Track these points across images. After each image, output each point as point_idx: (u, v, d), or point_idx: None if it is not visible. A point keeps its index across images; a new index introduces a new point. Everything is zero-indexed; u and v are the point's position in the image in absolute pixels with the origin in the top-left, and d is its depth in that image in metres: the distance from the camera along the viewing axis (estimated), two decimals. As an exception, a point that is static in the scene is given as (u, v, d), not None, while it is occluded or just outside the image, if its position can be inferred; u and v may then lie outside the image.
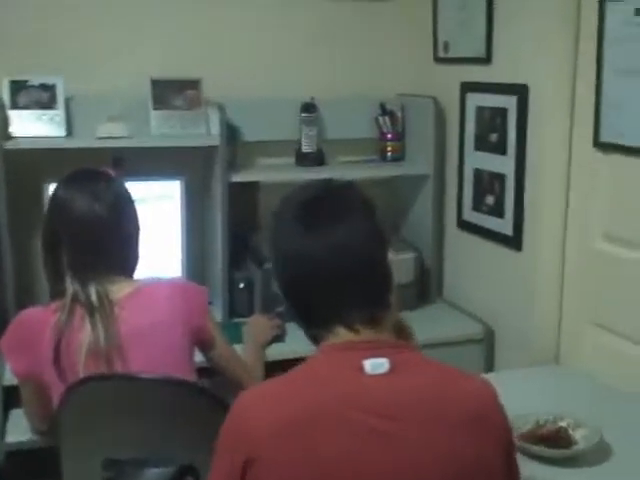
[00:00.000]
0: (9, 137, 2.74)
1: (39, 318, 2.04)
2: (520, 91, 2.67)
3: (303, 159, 3.17)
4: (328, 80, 3.29)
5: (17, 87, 2.80)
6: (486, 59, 2.86)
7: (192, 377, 2.09)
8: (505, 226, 2.82)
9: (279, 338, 2.73)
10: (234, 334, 2.55)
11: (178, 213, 2.94)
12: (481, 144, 2.93)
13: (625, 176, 2.38)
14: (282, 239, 1.50)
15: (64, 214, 2.05)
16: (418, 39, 3.28)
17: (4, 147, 2.66)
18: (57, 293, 2.05)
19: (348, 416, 1.34)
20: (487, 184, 2.91)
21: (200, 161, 3.05)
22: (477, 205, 2.98)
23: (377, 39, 3.35)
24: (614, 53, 2.36)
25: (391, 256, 1.51)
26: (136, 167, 2.81)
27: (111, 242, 2.06)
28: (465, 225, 3.09)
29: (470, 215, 3.04)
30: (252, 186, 3.16)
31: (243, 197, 3.09)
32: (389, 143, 3.29)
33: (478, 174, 2.96)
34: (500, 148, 2.81)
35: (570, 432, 2.00)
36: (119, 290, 2.04)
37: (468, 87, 2.99)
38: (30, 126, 2.79)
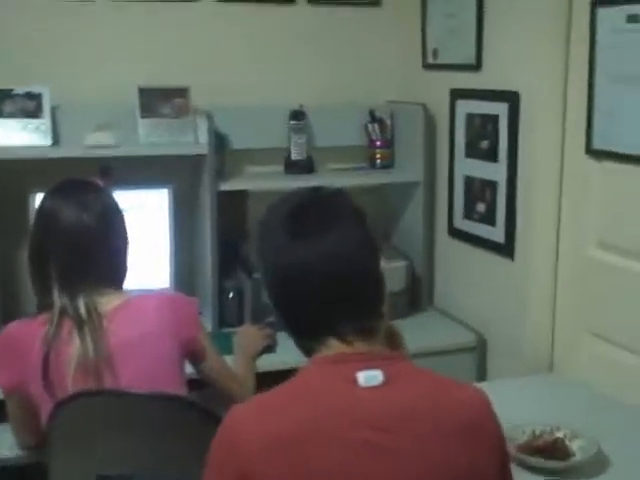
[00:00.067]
0: (-6, 146, 2.71)
1: (26, 331, 2.01)
2: (511, 98, 2.66)
3: (292, 167, 3.15)
4: (317, 87, 3.27)
5: (2, 96, 2.78)
6: (476, 66, 2.85)
7: (182, 389, 2.07)
8: (497, 234, 2.80)
9: (270, 348, 2.70)
10: (224, 344, 2.53)
11: (166, 222, 2.92)
12: (472, 151, 2.91)
13: (618, 183, 2.37)
14: (270, 248, 1.47)
15: (52, 225, 2.02)
16: (407, 46, 3.27)
17: (-11, 156, 2.63)
18: (45, 306, 2.02)
19: (341, 429, 1.32)
20: (478, 191, 2.90)
21: (188, 169, 3.03)
22: (468, 213, 2.97)
23: (366, 46, 3.33)
24: (606, 60, 2.35)
25: (382, 264, 1.48)
26: (124, 176, 2.79)
27: (99, 253, 2.04)
28: (456, 233, 3.07)
29: (461, 223, 3.03)
30: (241, 194, 3.13)
31: (232, 206, 3.06)
32: (378, 150, 3.27)
33: (469, 181, 2.95)
34: (491, 155, 2.80)
35: (567, 443, 1.98)
36: (108, 302, 2.02)
37: (458, 94, 2.98)
38: (15, 135, 2.77)
